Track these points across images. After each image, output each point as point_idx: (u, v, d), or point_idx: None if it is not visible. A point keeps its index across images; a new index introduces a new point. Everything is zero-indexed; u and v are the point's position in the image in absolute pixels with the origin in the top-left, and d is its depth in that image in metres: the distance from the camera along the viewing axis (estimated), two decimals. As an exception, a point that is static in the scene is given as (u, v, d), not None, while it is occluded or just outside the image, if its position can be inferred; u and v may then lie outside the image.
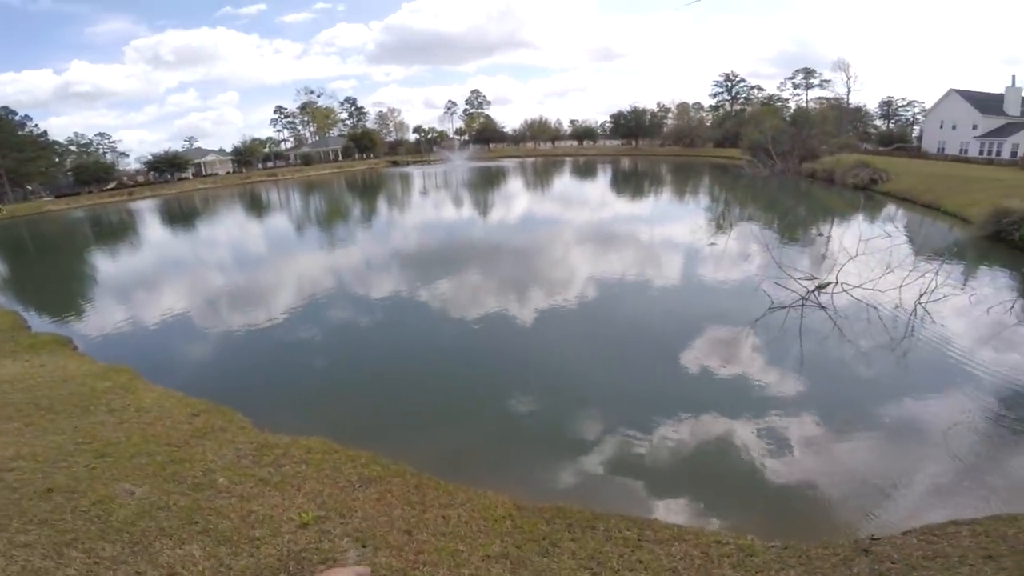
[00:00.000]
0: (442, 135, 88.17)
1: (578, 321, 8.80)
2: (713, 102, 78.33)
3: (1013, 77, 50.93)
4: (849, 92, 68.60)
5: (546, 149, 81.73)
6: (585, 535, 3.40)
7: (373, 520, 3.59)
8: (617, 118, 77.67)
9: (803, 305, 8.79)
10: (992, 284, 10.32)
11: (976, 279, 10.67)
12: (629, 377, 6.56)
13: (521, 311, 9.26)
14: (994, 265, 11.87)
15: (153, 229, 27.53)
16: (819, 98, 69.39)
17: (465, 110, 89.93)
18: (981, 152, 45.54)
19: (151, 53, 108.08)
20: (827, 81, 69.86)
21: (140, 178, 61.90)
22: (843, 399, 5.92)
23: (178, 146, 73.77)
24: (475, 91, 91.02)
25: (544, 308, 9.37)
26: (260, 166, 73.09)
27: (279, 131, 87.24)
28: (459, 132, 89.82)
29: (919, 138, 58.40)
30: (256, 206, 35.10)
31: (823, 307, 8.67)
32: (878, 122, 68.33)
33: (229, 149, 73.27)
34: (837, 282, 9.10)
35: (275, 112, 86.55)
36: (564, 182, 39.51)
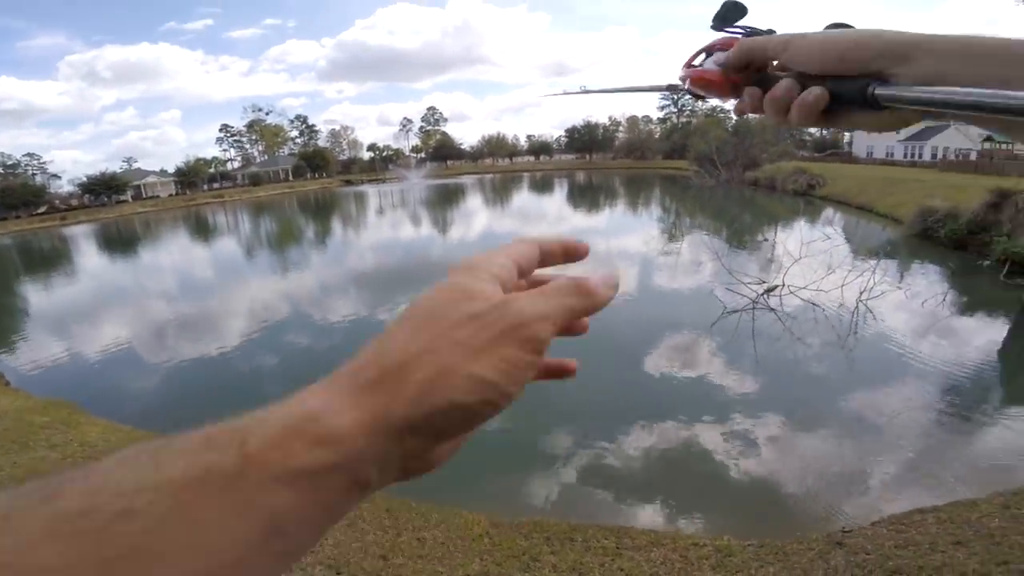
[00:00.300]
0: (398, 153, 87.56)
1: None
2: (661, 115, 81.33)
3: (928, 85, 55.32)
4: (785, 103, 72.47)
5: (504, 165, 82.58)
6: (564, 547, 3.39)
7: (345, 547, 3.47)
8: (571, 132, 79.46)
9: (754, 308, 9.13)
10: (924, 279, 11.09)
11: (910, 275, 11.43)
12: (595, 387, 6.61)
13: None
14: (924, 261, 12.77)
15: (90, 257, 26.01)
16: (758, 109, 73.10)
17: (421, 127, 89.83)
18: (905, 155, 49.08)
19: (86, 69, 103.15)
20: (764, 92, 73.73)
21: (74, 201, 58.34)
22: (798, 397, 6.17)
23: (116, 167, 70.07)
24: (431, 108, 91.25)
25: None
26: (205, 187, 70.43)
27: (225, 150, 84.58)
28: (415, 150, 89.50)
29: (850, 143, 62.38)
30: (202, 230, 33.77)
31: (772, 309, 9.04)
32: (812, 130, 72.52)
33: (171, 170, 70.25)
34: (784, 285, 9.52)
35: (221, 130, 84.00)
36: (523, 197, 39.95)
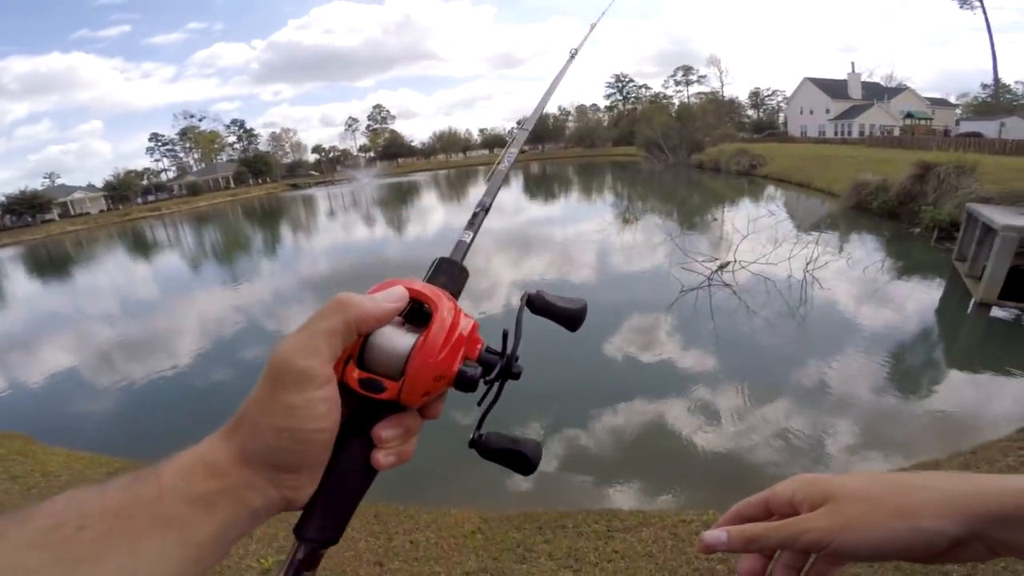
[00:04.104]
0: (345, 153, 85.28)
1: (506, 327, 8.91)
2: (608, 103, 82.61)
3: (852, 64, 58.44)
4: (723, 86, 75.37)
5: (458, 160, 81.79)
6: (557, 535, 3.46)
7: (338, 556, 3.42)
8: (523, 124, 79.47)
9: (709, 285, 9.46)
10: (863, 248, 11.84)
11: (850, 244, 12.18)
12: (563, 374, 6.71)
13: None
14: (861, 231, 13.60)
15: (19, 282, 24.19)
16: (698, 93, 75.58)
17: (368, 126, 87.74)
18: (836, 133, 51.73)
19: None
20: (703, 77, 76.50)
21: (-7, 224, 54.06)
22: (759, 367, 6.47)
23: (37, 184, 65.34)
24: (377, 106, 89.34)
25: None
26: (140, 200, 66.59)
27: (157, 160, 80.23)
28: (363, 149, 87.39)
29: (785, 124, 65.20)
30: (141, 246, 31.96)
31: (727, 284, 9.41)
32: (750, 112, 75.51)
33: (100, 184, 65.98)
34: (735, 260, 9.91)
35: (151, 140, 79.67)
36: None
